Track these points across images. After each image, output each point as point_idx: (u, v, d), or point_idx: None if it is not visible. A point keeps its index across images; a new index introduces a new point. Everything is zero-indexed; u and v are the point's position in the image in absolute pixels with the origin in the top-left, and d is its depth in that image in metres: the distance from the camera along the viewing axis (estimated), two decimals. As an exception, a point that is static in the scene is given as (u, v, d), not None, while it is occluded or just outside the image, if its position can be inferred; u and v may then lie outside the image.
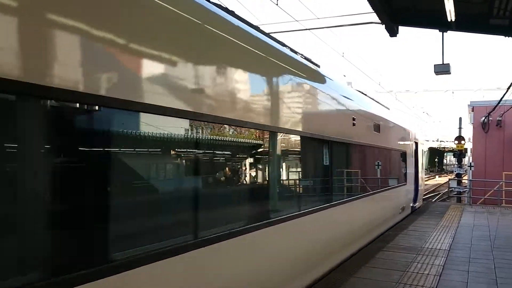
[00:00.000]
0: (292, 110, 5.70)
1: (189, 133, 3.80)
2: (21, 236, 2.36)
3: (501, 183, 19.87)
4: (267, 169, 5.27)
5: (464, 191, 22.36)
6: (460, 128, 24.46)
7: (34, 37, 2.36)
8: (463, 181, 25.08)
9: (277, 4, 10.02)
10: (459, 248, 9.00)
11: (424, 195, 26.25)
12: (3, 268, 2.29)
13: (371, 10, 10.26)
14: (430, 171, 68.46)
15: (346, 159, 8.49)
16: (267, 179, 5.26)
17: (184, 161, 3.96)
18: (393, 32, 10.92)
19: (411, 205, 15.25)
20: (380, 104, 12.57)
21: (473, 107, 24.47)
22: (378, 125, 10.41)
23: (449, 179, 27.18)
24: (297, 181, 6.36)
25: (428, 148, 67.26)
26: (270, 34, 5.78)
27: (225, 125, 4.29)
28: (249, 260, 4.54)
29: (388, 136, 11.85)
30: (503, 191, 19.74)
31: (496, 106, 19.32)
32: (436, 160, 79.29)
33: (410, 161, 14.81)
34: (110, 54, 2.84)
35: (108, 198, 2.97)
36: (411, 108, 38.27)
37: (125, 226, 3.09)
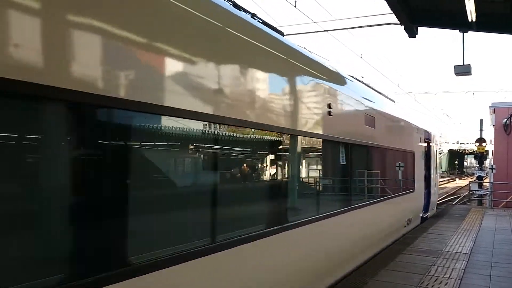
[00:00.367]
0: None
1: (233, 140, 4.22)
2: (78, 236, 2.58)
3: (524, 186, 19.47)
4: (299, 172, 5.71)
5: (486, 194, 21.94)
6: (481, 130, 24.05)
7: (87, 54, 2.56)
8: (484, 183, 24.62)
9: (295, 6, 10.03)
10: (481, 252, 8.84)
11: (444, 198, 25.88)
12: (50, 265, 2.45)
13: (389, 11, 10.19)
14: (450, 174, 67.51)
15: (321, 161, 6.58)
16: (299, 181, 5.67)
17: (236, 168, 4.42)
18: (412, 33, 10.82)
19: (421, 215, 13.44)
20: (380, 93, 10.29)
21: (495, 109, 24.03)
22: (372, 118, 8.28)
23: (470, 181, 26.74)
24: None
25: (448, 150, 66.31)
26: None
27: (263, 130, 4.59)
28: (291, 253, 5.00)
29: (388, 132, 9.74)
30: (526, 194, 19.34)
31: (518, 107, 18.95)
32: (456, 162, 78.09)
33: (420, 163, 12.80)
34: (158, 65, 3.12)
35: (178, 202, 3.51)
36: (430, 110, 37.79)
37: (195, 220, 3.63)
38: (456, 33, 11.35)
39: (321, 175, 6.52)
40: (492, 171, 21.97)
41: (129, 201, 2.90)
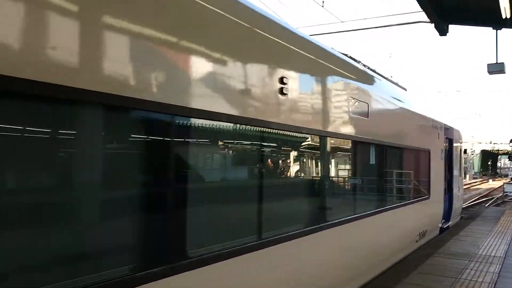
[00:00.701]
0: None
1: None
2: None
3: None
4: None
5: (521, 196, 21.27)
6: (515, 129, 23.30)
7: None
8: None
9: (322, 6, 10.01)
10: (516, 256, 8.59)
11: (475, 200, 25.16)
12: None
13: (418, 9, 10.04)
14: (483, 175, 65.81)
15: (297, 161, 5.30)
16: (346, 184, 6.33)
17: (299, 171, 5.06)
18: (443, 31, 10.63)
19: (440, 225, 11.41)
20: (384, 76, 8.29)
21: (530, 108, 23.26)
22: (365, 104, 6.34)
23: (504, 183, 25.95)
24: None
25: (481, 151, 64.61)
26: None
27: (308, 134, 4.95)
28: (340, 248, 5.54)
29: (393, 125, 7.82)
30: None
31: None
32: (489, 163, 75.99)
33: (438, 164, 10.79)
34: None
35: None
36: (461, 110, 36.89)
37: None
38: (486, 30, 11.08)
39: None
40: (527, 172, 21.28)
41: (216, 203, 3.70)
